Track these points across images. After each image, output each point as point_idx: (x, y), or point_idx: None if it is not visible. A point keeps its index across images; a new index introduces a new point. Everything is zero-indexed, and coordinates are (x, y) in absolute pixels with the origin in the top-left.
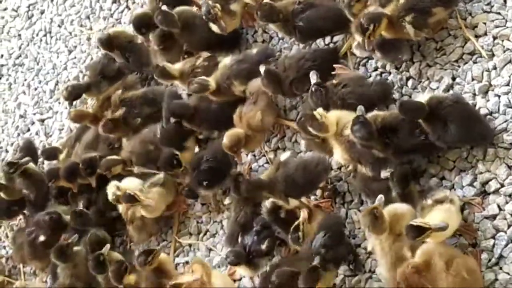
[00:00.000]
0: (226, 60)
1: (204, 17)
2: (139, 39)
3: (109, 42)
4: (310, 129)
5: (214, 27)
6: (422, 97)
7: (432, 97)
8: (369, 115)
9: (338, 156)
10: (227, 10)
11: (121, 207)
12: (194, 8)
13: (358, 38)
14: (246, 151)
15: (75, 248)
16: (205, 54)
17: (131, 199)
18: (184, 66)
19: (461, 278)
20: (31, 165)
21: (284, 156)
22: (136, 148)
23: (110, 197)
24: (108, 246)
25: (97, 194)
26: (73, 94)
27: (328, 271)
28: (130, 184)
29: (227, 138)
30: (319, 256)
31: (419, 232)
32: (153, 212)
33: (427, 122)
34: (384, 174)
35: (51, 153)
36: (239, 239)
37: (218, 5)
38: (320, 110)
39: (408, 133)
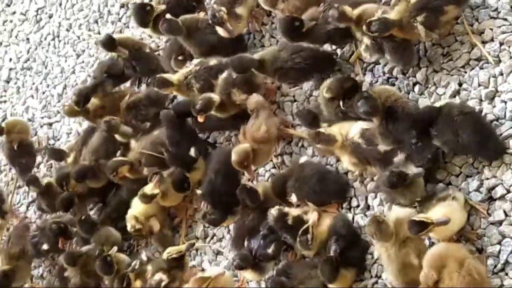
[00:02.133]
0: (223, 75)
1: (210, 21)
2: (147, 47)
3: (111, 44)
4: (319, 146)
5: (221, 31)
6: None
7: (446, 103)
8: (388, 87)
9: (347, 163)
10: (233, 14)
11: (130, 226)
12: (201, 14)
13: (366, 40)
14: (255, 166)
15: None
16: (195, 60)
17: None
18: (180, 76)
19: (472, 278)
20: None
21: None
22: (147, 150)
23: (130, 229)
24: (115, 248)
25: (107, 198)
26: (82, 96)
27: (347, 270)
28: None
29: (235, 154)
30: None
31: (422, 227)
32: (171, 200)
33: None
34: (398, 159)
35: (57, 154)
36: (246, 243)
37: (223, 9)
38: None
39: (406, 129)
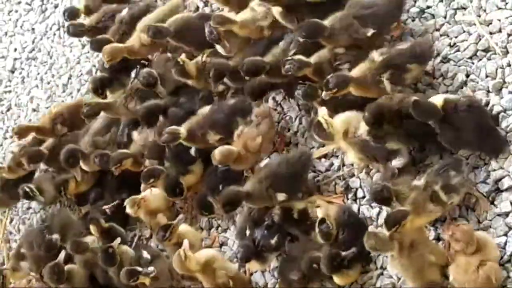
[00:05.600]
0: (204, 110)
1: (207, 38)
2: None
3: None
4: (316, 137)
5: (219, 48)
6: (436, 99)
7: (446, 100)
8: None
9: (352, 157)
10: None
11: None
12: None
13: (377, 57)
14: (236, 168)
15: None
16: (208, 50)
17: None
18: (196, 65)
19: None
20: None
21: (263, 162)
22: (148, 141)
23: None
24: (118, 239)
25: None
26: (97, 84)
27: (352, 269)
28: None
29: (218, 153)
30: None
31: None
32: None
33: (439, 123)
34: (396, 163)
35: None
36: (248, 232)
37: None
38: (324, 113)
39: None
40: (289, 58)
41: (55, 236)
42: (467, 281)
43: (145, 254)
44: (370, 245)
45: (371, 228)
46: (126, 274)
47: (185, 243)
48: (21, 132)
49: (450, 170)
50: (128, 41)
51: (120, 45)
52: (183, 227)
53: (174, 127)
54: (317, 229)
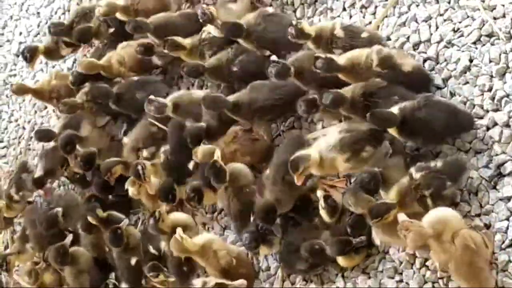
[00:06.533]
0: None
1: (200, 19)
2: None
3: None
4: (299, 172)
5: (212, 29)
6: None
7: (400, 108)
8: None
9: (343, 169)
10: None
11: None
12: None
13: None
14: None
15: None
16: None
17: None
18: (193, 40)
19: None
20: None
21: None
22: (140, 134)
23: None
24: (126, 221)
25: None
26: (78, 79)
27: (359, 254)
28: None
29: (201, 153)
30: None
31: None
32: None
33: (407, 133)
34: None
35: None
36: (252, 218)
37: (212, 7)
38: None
39: (387, 96)
40: (323, 56)
41: (58, 209)
42: (449, 257)
43: (151, 249)
44: (346, 199)
45: None
46: (150, 267)
47: (179, 229)
48: (18, 91)
49: (447, 180)
50: (108, 57)
51: (97, 62)
52: (175, 214)
53: (159, 99)
54: (323, 205)
